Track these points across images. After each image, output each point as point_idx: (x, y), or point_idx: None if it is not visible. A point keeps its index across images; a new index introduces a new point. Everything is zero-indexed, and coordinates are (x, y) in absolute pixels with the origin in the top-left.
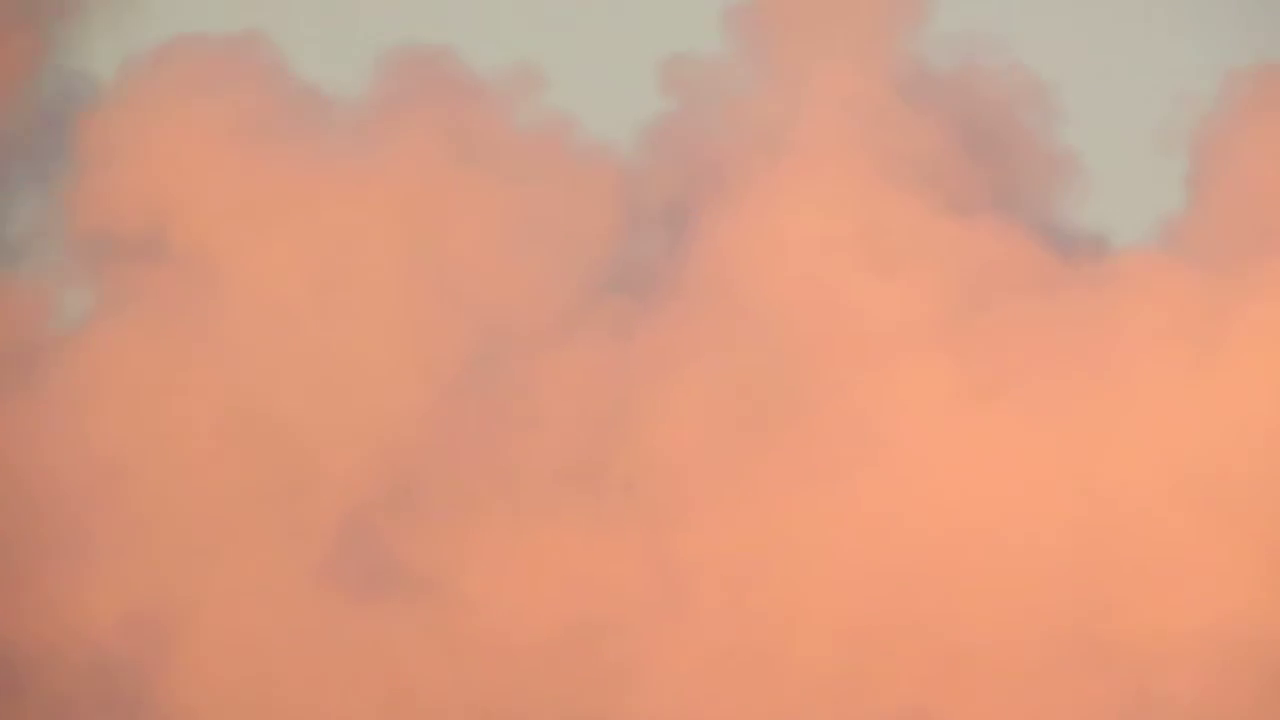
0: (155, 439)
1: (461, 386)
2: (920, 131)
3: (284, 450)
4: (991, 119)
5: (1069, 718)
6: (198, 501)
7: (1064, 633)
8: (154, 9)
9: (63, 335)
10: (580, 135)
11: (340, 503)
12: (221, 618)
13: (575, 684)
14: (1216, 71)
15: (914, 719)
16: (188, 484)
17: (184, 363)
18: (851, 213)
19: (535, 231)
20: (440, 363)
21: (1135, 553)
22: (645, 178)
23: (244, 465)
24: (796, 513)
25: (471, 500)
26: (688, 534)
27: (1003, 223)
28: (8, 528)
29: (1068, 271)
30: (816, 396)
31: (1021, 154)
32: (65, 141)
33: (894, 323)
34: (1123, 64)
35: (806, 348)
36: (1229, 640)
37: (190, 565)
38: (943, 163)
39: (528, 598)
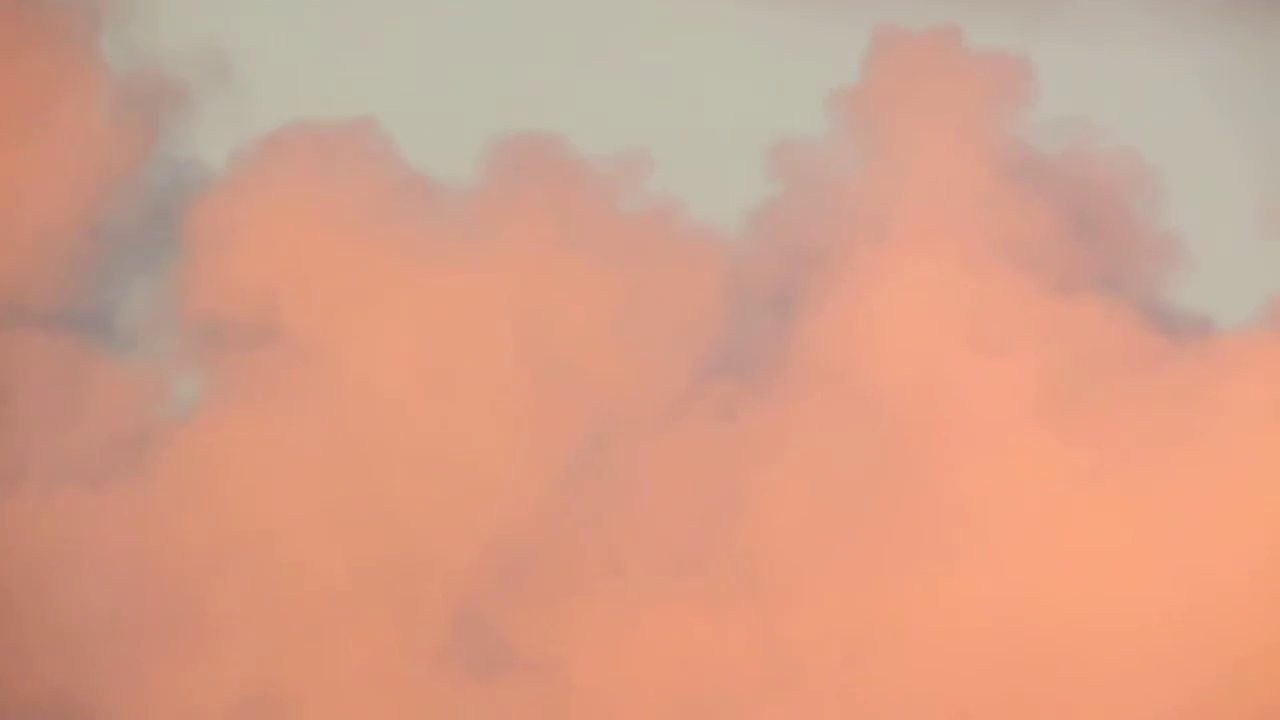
0: (267, 525)
1: (571, 471)
2: (1024, 214)
3: (396, 535)
4: (1097, 201)
5: None
6: (310, 587)
7: None
8: (263, 96)
9: (175, 422)
10: (686, 219)
11: (452, 587)
12: (334, 703)
13: None
14: None
15: None
16: (300, 570)
17: (296, 449)
18: (956, 294)
19: (643, 316)
20: (549, 448)
21: (1241, 639)
22: (751, 261)
23: (355, 551)
24: (903, 596)
25: (582, 584)
26: (796, 616)
27: (1108, 303)
28: (121, 613)
29: (1173, 351)
30: (923, 479)
31: (1127, 236)
32: (177, 230)
33: (1000, 404)
34: (1227, 147)
35: (912, 430)
36: None
37: (302, 651)
38: (1047, 244)
39: (639, 680)
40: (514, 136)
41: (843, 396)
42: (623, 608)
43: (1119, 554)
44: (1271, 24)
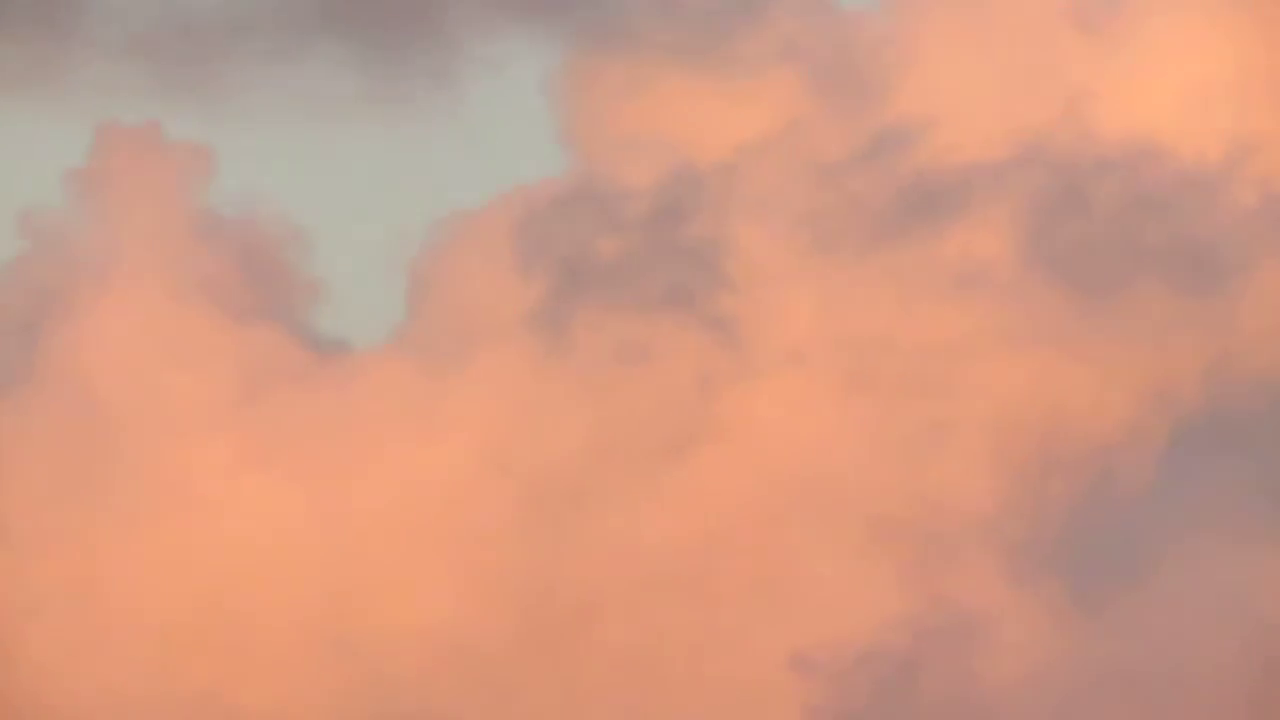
0: None
1: None
2: (212, 262)
3: None
4: (267, 252)
5: (325, 691)
6: None
7: (323, 630)
8: None
9: None
10: None
11: None
12: None
13: None
14: (426, 218)
15: (210, 695)
16: None
17: None
18: (161, 324)
19: None
20: None
21: (372, 574)
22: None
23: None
24: (125, 550)
25: None
26: (39, 565)
27: (274, 330)
28: None
29: (322, 366)
30: (137, 466)
31: (286, 278)
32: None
33: (196, 407)
34: (363, 208)
35: (129, 427)
36: (439, 637)
37: None
38: (229, 285)
39: None
40: None
41: (78, 402)
42: None
43: (284, 518)
44: (398, 116)
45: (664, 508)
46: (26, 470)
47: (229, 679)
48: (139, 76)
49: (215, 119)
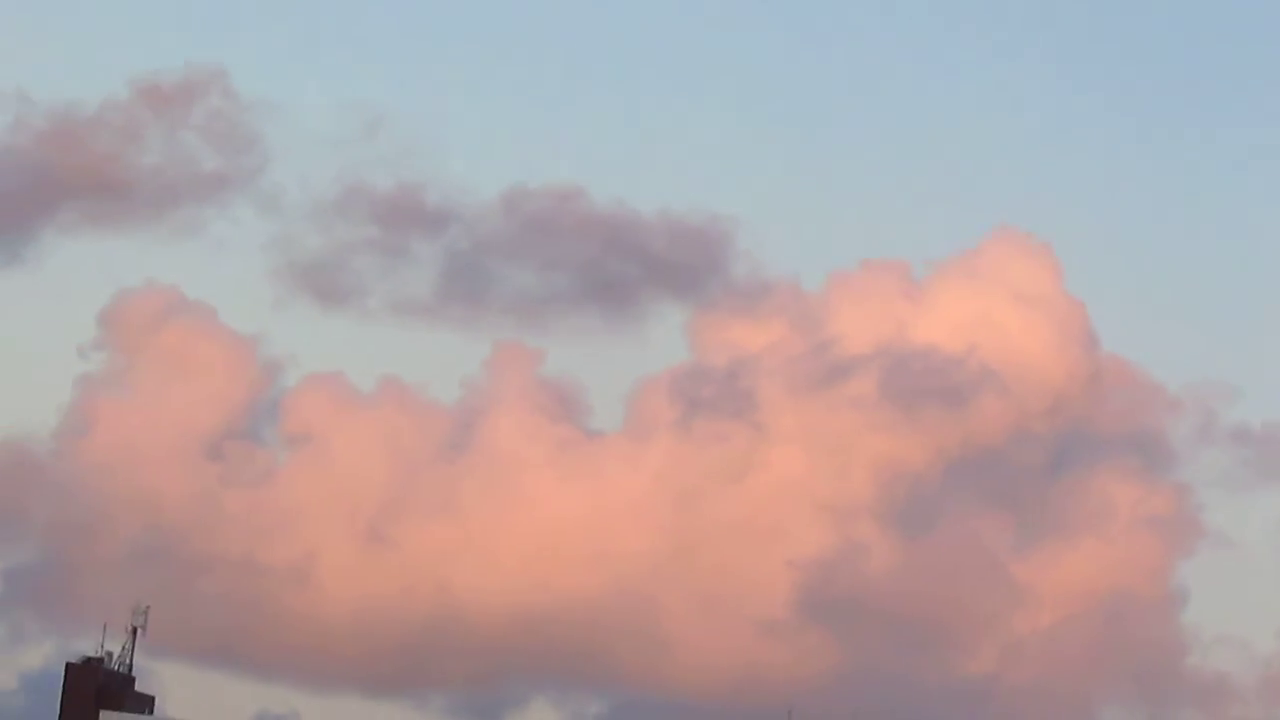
0: None
1: None
2: (541, 408)
3: None
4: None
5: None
6: None
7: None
8: None
9: None
10: None
11: None
12: None
13: None
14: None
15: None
16: None
17: None
18: (524, 435)
19: None
20: None
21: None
22: None
23: None
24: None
25: None
26: None
27: (573, 430)
28: None
29: (592, 444)
30: (510, 493)
31: (577, 409)
32: None
33: (537, 471)
34: None
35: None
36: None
37: None
38: (548, 416)
39: None
40: None
41: (489, 469)
42: None
43: (576, 517)
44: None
45: (732, 502)
46: (468, 488)
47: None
48: (515, 321)
49: (546, 336)
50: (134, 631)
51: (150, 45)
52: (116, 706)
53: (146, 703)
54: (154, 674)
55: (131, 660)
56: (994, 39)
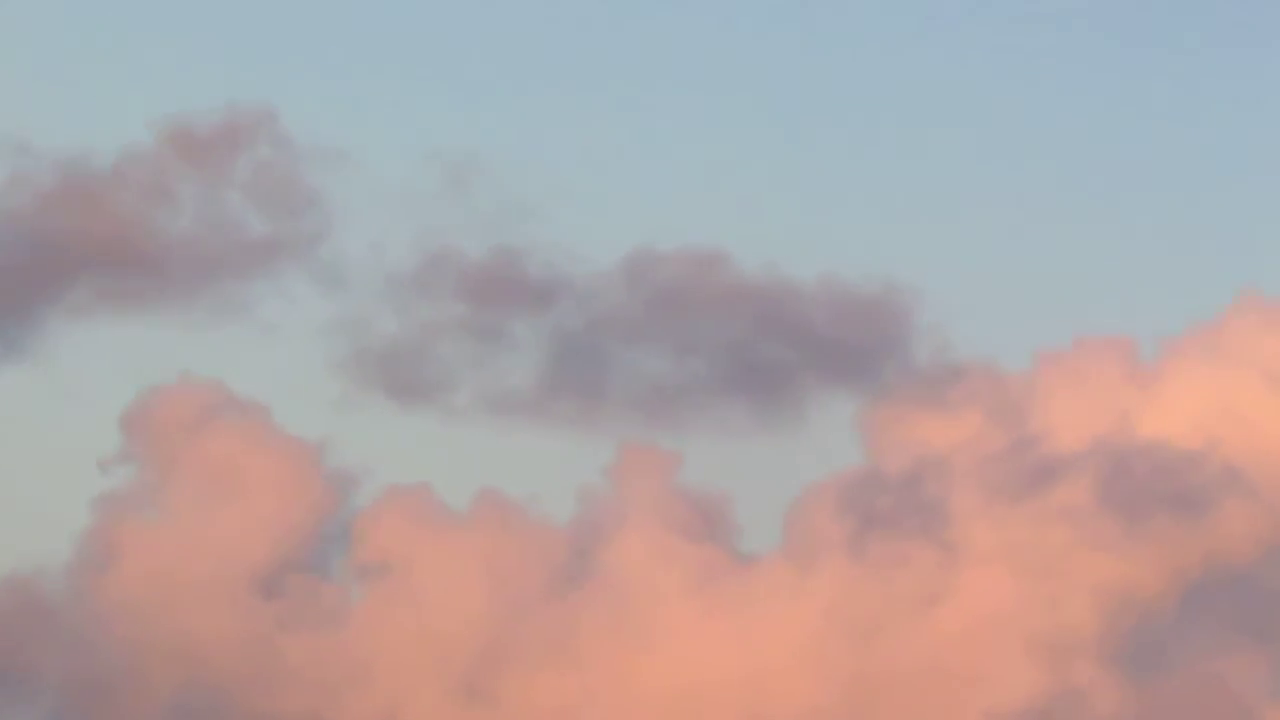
0: None
1: None
2: (676, 522)
3: None
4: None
5: None
6: None
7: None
8: None
9: None
10: None
11: None
12: None
13: None
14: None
15: None
16: None
17: None
18: (649, 551)
19: None
20: None
21: (756, 690)
22: None
23: None
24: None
25: None
26: None
27: (713, 550)
28: None
29: (738, 569)
30: (637, 627)
31: (722, 525)
32: None
33: (666, 597)
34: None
35: (638, 606)
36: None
37: None
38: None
39: None
40: None
41: (608, 594)
42: None
43: (709, 659)
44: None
45: (920, 640)
46: (586, 628)
47: None
48: (643, 417)
49: (682, 436)
50: None
51: (181, 81)
52: None
53: None
54: None
55: None
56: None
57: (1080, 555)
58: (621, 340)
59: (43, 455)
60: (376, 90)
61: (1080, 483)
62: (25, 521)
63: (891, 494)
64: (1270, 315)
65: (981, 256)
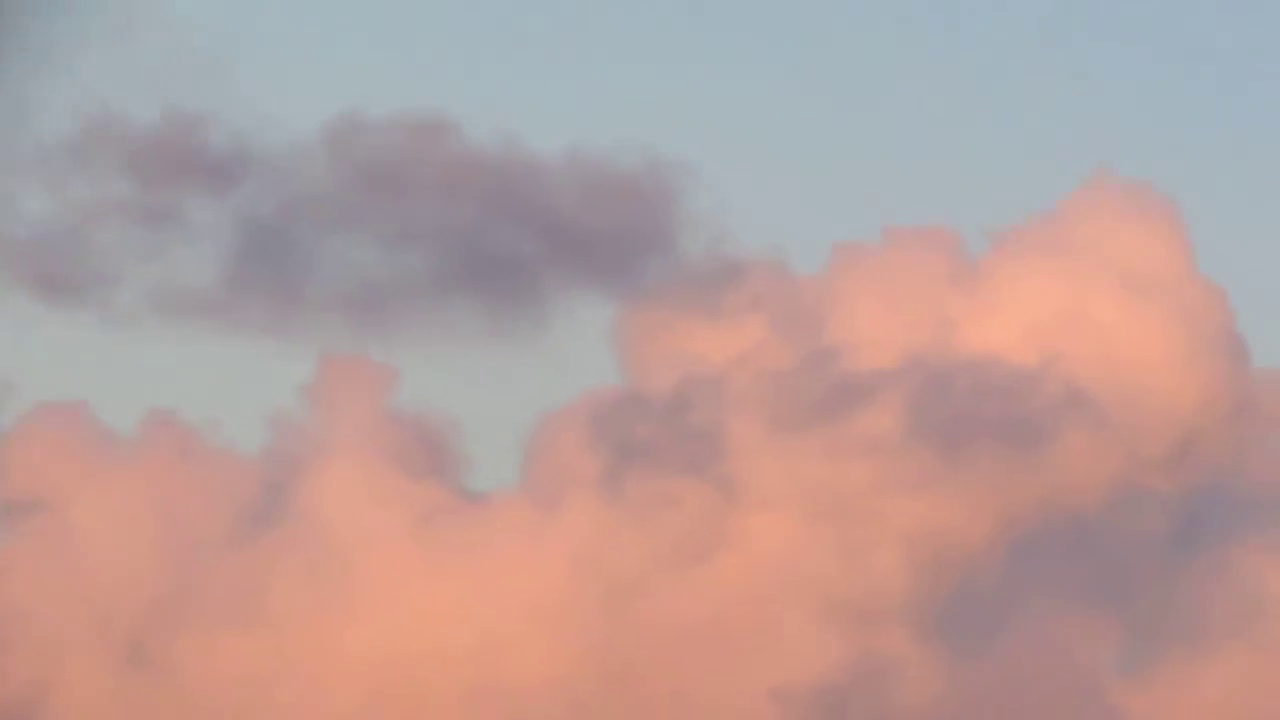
0: None
1: None
2: (397, 444)
3: None
4: (433, 437)
5: None
6: None
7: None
8: None
9: None
10: None
11: None
12: None
13: None
14: (533, 411)
15: None
16: None
17: None
18: (363, 485)
19: None
20: None
21: (499, 645)
22: None
23: None
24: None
25: None
26: None
27: (437, 488)
28: None
29: (469, 510)
30: (344, 575)
31: (448, 454)
32: None
33: (381, 540)
34: (495, 406)
35: (342, 553)
36: (552, 687)
37: None
38: (408, 458)
39: None
40: None
41: (310, 536)
42: None
43: (436, 613)
44: (509, 346)
45: (690, 597)
46: (279, 580)
47: None
48: (347, 322)
49: (396, 347)
50: None
51: None
52: None
53: None
54: None
55: None
56: None
57: (888, 496)
58: (323, 227)
59: None
60: None
61: (888, 407)
62: None
63: (654, 420)
64: (1123, 201)
65: (767, 127)
